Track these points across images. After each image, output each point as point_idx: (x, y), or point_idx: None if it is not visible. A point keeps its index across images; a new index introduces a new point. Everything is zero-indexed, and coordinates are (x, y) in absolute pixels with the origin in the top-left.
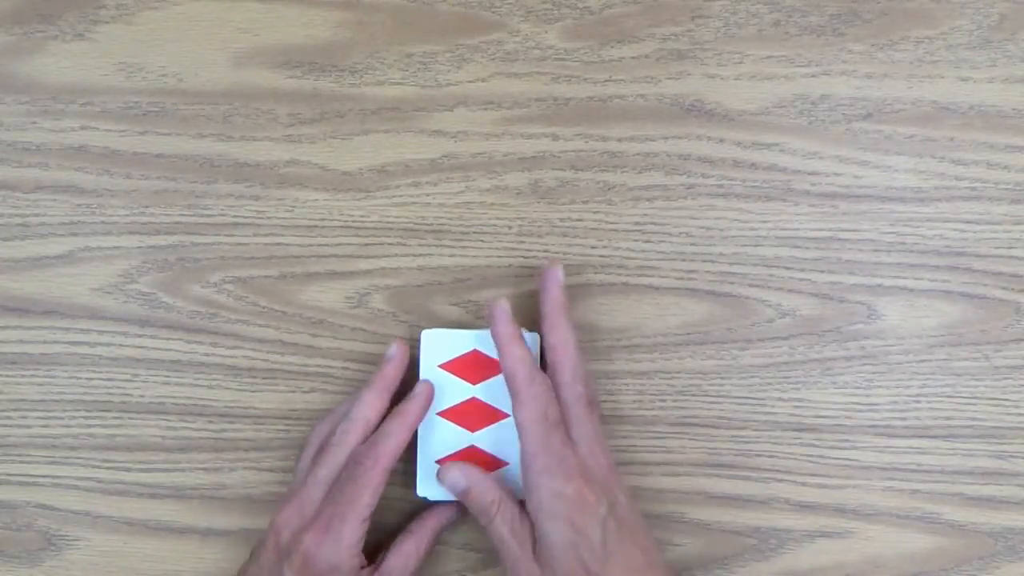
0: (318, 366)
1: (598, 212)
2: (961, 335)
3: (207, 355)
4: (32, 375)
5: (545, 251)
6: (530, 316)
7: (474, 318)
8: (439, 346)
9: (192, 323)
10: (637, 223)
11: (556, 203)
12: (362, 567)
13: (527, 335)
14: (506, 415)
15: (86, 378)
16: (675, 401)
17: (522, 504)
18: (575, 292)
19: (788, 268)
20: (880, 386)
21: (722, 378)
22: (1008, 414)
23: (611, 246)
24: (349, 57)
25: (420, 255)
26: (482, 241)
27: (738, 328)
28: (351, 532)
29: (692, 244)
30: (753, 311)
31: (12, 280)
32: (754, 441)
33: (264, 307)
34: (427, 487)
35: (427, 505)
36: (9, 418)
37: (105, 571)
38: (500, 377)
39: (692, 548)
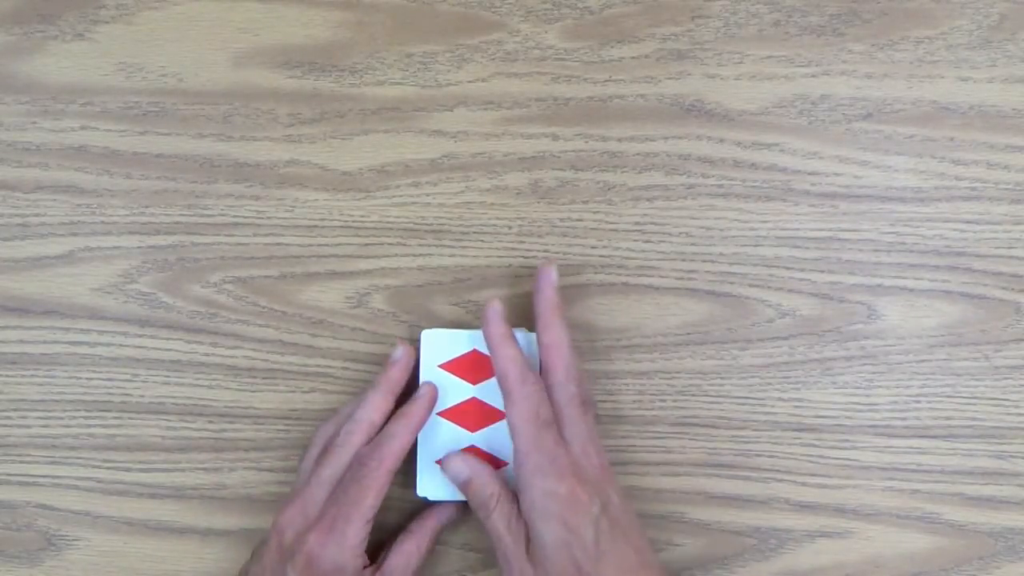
0: (318, 366)
1: (598, 212)
2: (961, 335)
3: (207, 355)
4: (32, 375)
5: (545, 251)
6: (529, 316)
7: (474, 318)
8: (439, 346)
9: (192, 323)
10: (637, 223)
11: (556, 203)
12: (364, 567)
13: (522, 335)
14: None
15: (86, 378)
16: (675, 401)
17: None
18: (575, 292)
19: (788, 268)
20: (880, 386)
21: (722, 378)
22: (1008, 414)
23: (611, 246)
24: (349, 57)
25: (420, 255)
26: (482, 241)
27: (738, 328)
28: (355, 533)
29: (692, 244)
30: (753, 311)
31: (12, 280)
32: (754, 441)
33: (264, 307)
34: (427, 487)
35: (427, 505)
36: (9, 418)
37: (105, 571)
38: None
39: (692, 548)
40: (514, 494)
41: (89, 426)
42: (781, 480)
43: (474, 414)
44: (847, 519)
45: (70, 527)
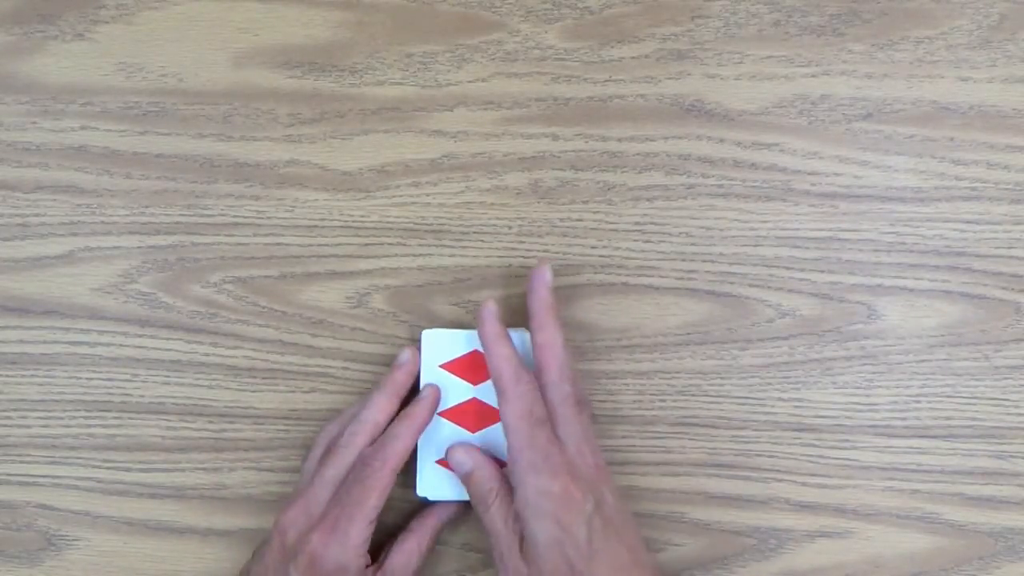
0: (318, 366)
1: (598, 212)
2: (961, 335)
3: (207, 355)
4: (32, 375)
5: (545, 251)
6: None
7: (474, 318)
8: (440, 346)
9: (192, 323)
10: (637, 223)
11: (556, 203)
12: (367, 566)
13: (518, 335)
14: None
15: (86, 378)
16: (675, 401)
17: None
18: (575, 292)
19: (788, 268)
20: (880, 386)
21: (722, 378)
22: (1008, 414)
23: (611, 246)
24: (349, 57)
25: (420, 255)
26: (482, 241)
27: (738, 328)
28: (358, 533)
29: (692, 244)
30: (753, 311)
31: (12, 280)
32: (754, 441)
33: (264, 307)
34: (427, 487)
35: (427, 504)
36: (9, 418)
37: (105, 571)
38: None
39: (692, 548)
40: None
41: (89, 426)
42: (781, 480)
43: (474, 414)
44: (847, 519)
45: (70, 527)
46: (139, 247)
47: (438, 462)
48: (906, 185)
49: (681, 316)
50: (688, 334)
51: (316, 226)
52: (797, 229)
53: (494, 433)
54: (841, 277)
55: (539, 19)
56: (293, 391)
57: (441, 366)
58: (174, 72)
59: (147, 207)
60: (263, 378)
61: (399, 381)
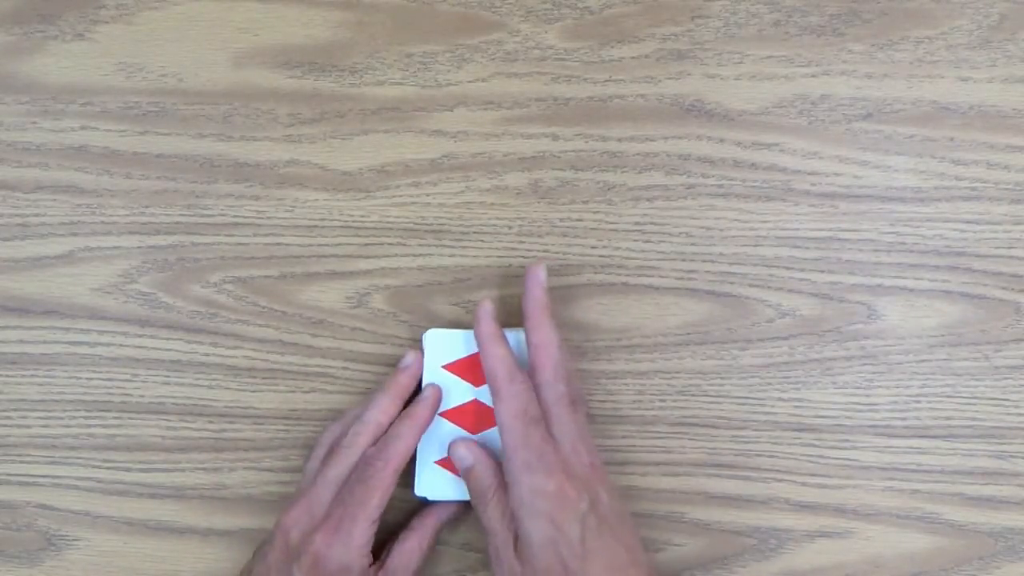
0: (318, 366)
1: (598, 212)
2: (961, 335)
3: (207, 355)
4: (32, 375)
5: (545, 251)
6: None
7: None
8: (442, 347)
9: (192, 323)
10: (637, 223)
11: (556, 203)
12: (369, 566)
13: (514, 335)
14: None
15: (86, 378)
16: (675, 401)
17: None
18: (575, 292)
19: (788, 268)
20: (880, 386)
21: (722, 378)
22: (1008, 414)
23: (611, 246)
24: (349, 57)
25: (420, 255)
26: (482, 241)
27: (738, 328)
28: (361, 533)
29: (692, 244)
30: (753, 311)
31: (12, 280)
32: (754, 441)
33: (264, 307)
34: (426, 487)
35: (426, 504)
36: (9, 418)
37: (105, 571)
38: None
39: (692, 548)
40: None
41: (89, 426)
42: (781, 480)
43: (475, 415)
44: (847, 519)
45: (70, 527)
46: (139, 247)
47: (437, 462)
48: (906, 185)
49: (681, 316)
50: (688, 334)
51: (316, 226)
52: (797, 229)
53: (494, 434)
54: (841, 277)
55: (539, 19)
56: (293, 391)
57: (443, 367)
58: (174, 72)
59: (147, 207)
60: (263, 378)
61: (402, 383)
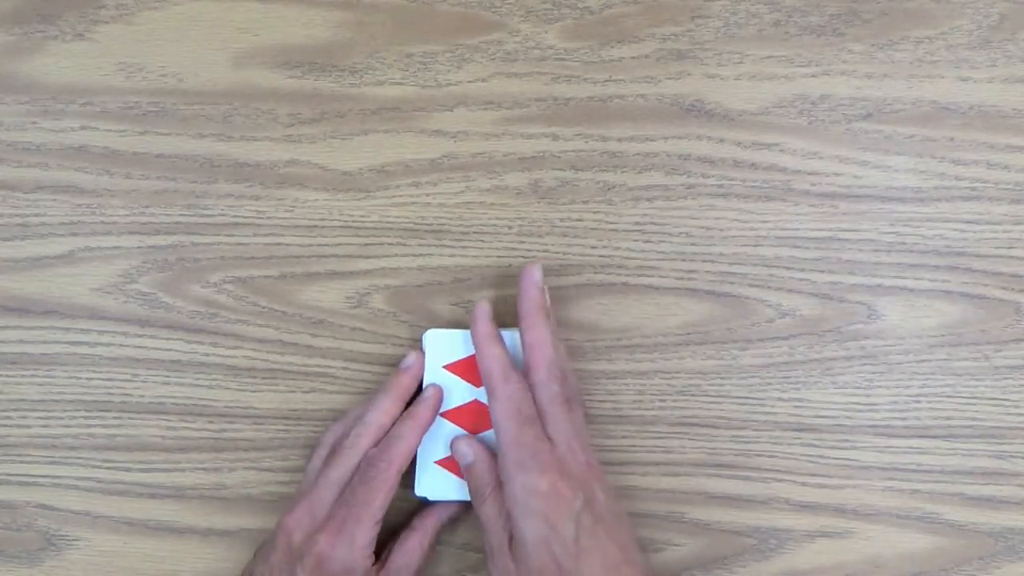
0: (318, 366)
1: (598, 212)
2: (961, 335)
3: (207, 355)
4: (32, 375)
5: (545, 251)
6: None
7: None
8: (442, 347)
9: (192, 323)
10: (637, 223)
11: (556, 203)
12: (371, 566)
13: (510, 335)
14: None
15: (86, 378)
16: (675, 401)
17: None
18: (575, 292)
19: (788, 268)
20: (880, 386)
21: (722, 378)
22: (1008, 414)
23: (611, 246)
24: (349, 57)
25: (420, 255)
26: (482, 241)
27: (738, 328)
28: (364, 534)
29: (692, 244)
30: (753, 311)
31: (12, 280)
32: (754, 441)
33: (264, 307)
34: (426, 487)
35: (427, 504)
36: (9, 418)
37: (105, 571)
38: None
39: (692, 548)
40: None
41: (89, 426)
42: (781, 480)
43: (476, 416)
44: (847, 519)
45: (70, 527)
46: (139, 247)
47: (438, 462)
48: (906, 185)
49: (681, 316)
50: (688, 334)
51: (316, 226)
52: (797, 229)
53: (494, 435)
54: (841, 277)
55: (539, 19)
56: (293, 391)
57: (444, 367)
58: (174, 72)
59: (147, 207)
60: (263, 378)
61: (404, 384)
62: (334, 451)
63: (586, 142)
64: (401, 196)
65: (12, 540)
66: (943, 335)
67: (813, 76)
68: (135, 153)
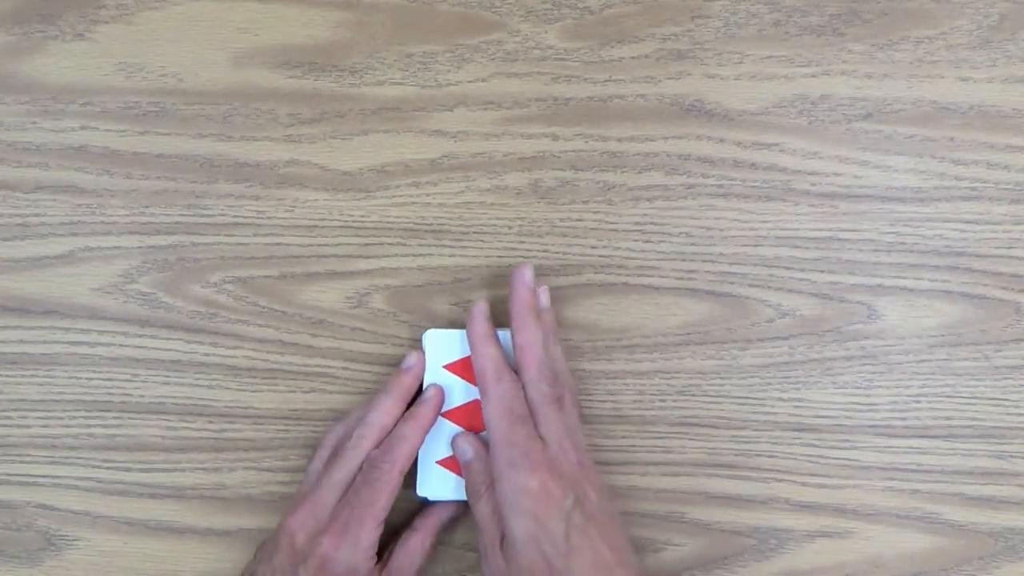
0: (318, 366)
1: (598, 212)
2: (961, 335)
3: (207, 355)
4: (32, 375)
5: (545, 251)
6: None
7: None
8: (442, 347)
9: (192, 323)
10: (637, 223)
11: (556, 203)
12: (373, 566)
13: (504, 335)
14: None
15: (86, 378)
16: (675, 401)
17: None
18: (575, 292)
19: (788, 268)
20: (880, 386)
21: (722, 378)
22: (1008, 414)
23: (611, 246)
24: (349, 57)
25: (420, 255)
26: (482, 241)
27: (738, 328)
28: (368, 535)
29: (692, 244)
30: (753, 311)
31: (12, 280)
32: (754, 441)
33: (264, 307)
34: (428, 487)
35: (427, 504)
36: (9, 418)
37: (105, 571)
38: None
39: (692, 548)
40: None
41: (89, 426)
42: (781, 480)
43: (476, 415)
44: (847, 519)
45: (70, 527)
46: (139, 247)
47: (439, 462)
48: (906, 185)
49: (681, 316)
50: (688, 334)
51: (316, 226)
52: (797, 229)
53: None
54: (841, 277)
55: (539, 19)
56: (293, 391)
57: (445, 367)
58: (174, 72)
59: (147, 207)
60: (263, 378)
61: (405, 384)
62: (336, 452)
63: (586, 142)
64: (401, 196)
65: (12, 540)
66: (943, 335)
67: (813, 76)
68: (135, 153)
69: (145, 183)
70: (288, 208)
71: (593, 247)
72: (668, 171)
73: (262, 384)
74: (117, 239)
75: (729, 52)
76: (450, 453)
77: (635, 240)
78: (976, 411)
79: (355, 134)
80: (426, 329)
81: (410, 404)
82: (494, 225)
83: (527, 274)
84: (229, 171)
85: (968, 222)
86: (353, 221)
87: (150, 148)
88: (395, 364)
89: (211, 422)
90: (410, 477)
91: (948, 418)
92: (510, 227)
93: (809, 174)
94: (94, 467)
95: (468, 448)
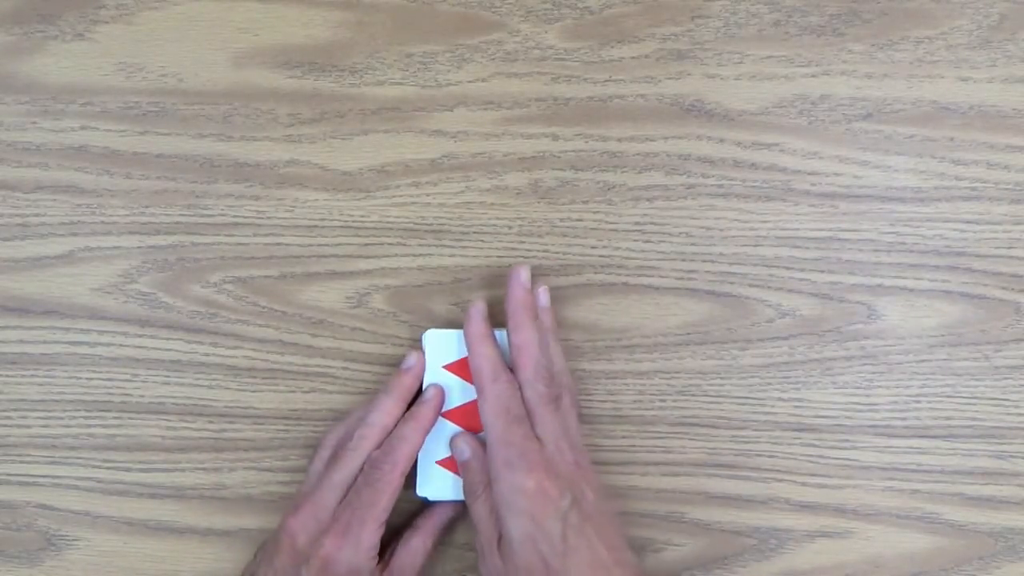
0: (318, 366)
1: (598, 212)
2: (961, 335)
3: (207, 355)
4: (32, 375)
5: (545, 251)
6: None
7: None
8: (442, 347)
9: (192, 323)
10: (637, 223)
11: (556, 203)
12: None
13: (501, 335)
14: None
15: (86, 378)
16: (675, 401)
17: None
18: (575, 292)
19: (788, 268)
20: (880, 386)
21: (722, 378)
22: (1008, 414)
23: (611, 246)
24: (349, 57)
25: (420, 255)
26: (482, 241)
27: (738, 328)
28: (369, 536)
29: (692, 244)
30: (753, 311)
31: (12, 280)
32: (754, 441)
33: (264, 307)
34: (427, 487)
35: (427, 504)
36: (9, 418)
37: (105, 571)
38: None
39: (692, 548)
40: None
41: (89, 426)
42: (781, 480)
43: (476, 416)
44: (847, 519)
45: (70, 527)
46: (139, 247)
47: (439, 462)
48: (906, 185)
49: (681, 316)
50: (688, 334)
51: (316, 226)
52: (797, 229)
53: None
54: (841, 277)
55: (539, 19)
56: (293, 391)
57: (444, 367)
58: (174, 72)
59: (147, 207)
60: (263, 378)
61: (406, 384)
62: (336, 453)
63: (586, 142)
64: (401, 196)
65: (12, 540)
66: (943, 335)
67: (813, 76)
68: (135, 153)
69: (145, 183)
70: (288, 208)
71: (593, 247)
72: (668, 171)
73: (262, 384)
74: (117, 239)
75: (729, 52)
76: (450, 453)
77: (635, 240)
78: (976, 411)
79: (355, 134)
80: (426, 329)
81: (410, 404)
82: (494, 225)
83: (523, 274)
84: (229, 171)
85: (968, 222)
86: (353, 221)
87: (150, 148)
88: (395, 364)
89: (211, 422)
90: (410, 477)
91: (948, 418)
92: (510, 227)
93: (809, 174)
94: (94, 467)
95: (466, 448)
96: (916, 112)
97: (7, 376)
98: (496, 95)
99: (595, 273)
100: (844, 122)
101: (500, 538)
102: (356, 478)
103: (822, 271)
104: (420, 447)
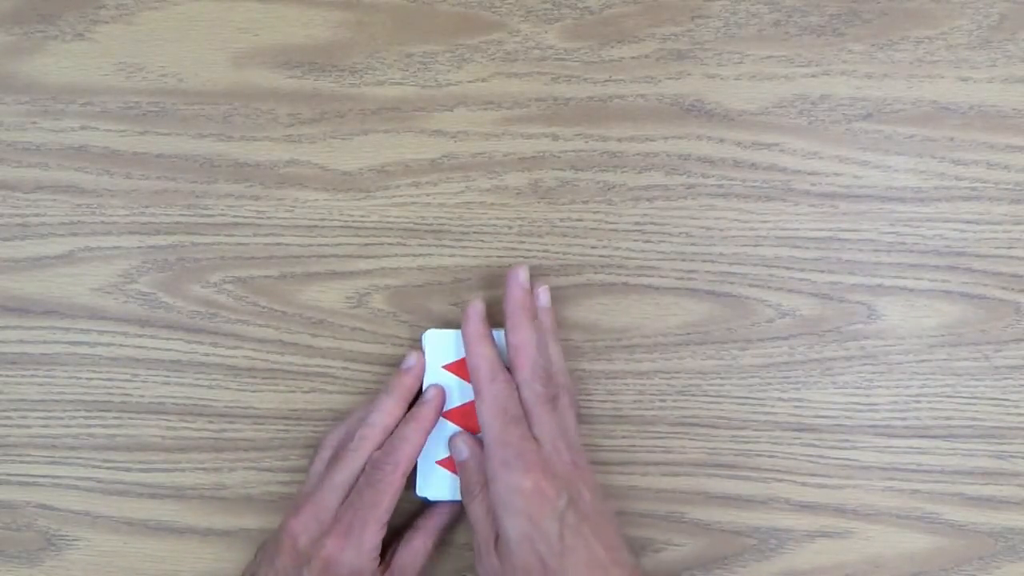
0: (318, 366)
1: (598, 212)
2: (961, 335)
3: (207, 355)
4: (32, 375)
5: (545, 251)
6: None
7: None
8: (442, 347)
9: (192, 323)
10: (637, 223)
11: (556, 203)
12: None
13: (500, 335)
14: None
15: (86, 378)
16: (675, 401)
17: None
18: (575, 292)
19: (788, 268)
20: (880, 386)
21: (722, 378)
22: (1008, 414)
23: (611, 246)
24: (349, 57)
25: (420, 255)
26: (482, 241)
27: (738, 328)
28: (371, 537)
29: (692, 244)
30: (753, 311)
31: (12, 280)
32: (754, 441)
33: (264, 307)
34: (427, 487)
35: (427, 504)
36: (9, 418)
37: (105, 571)
38: None
39: (692, 548)
40: None
41: (89, 426)
42: (781, 480)
43: (475, 416)
44: (847, 519)
45: (70, 527)
46: (139, 247)
47: (439, 462)
48: (906, 185)
49: (681, 316)
50: (688, 334)
51: (316, 226)
52: (797, 229)
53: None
54: (841, 277)
55: (539, 19)
56: (293, 391)
57: (444, 367)
58: (174, 72)
59: (147, 207)
60: (263, 378)
61: (406, 385)
62: (337, 454)
63: (586, 142)
64: (401, 196)
65: (12, 540)
66: (943, 335)
67: (813, 76)
68: (135, 153)
69: (145, 183)
70: (288, 208)
71: (593, 247)
72: (668, 171)
73: (262, 384)
74: (117, 239)
75: (729, 52)
76: (449, 453)
77: (635, 240)
78: (976, 411)
79: (355, 134)
80: (426, 329)
81: (411, 405)
82: (494, 225)
83: (522, 274)
84: (229, 171)
85: (968, 222)
86: (353, 221)
87: (150, 148)
88: (395, 364)
89: (211, 422)
90: (410, 478)
91: (948, 418)
92: (510, 227)
93: (809, 174)
94: (94, 467)
95: (464, 448)
96: (916, 112)
97: (7, 376)
98: (496, 95)
99: (595, 273)
100: (844, 122)
101: (497, 538)
102: (357, 479)
103: (822, 271)
104: (422, 448)
